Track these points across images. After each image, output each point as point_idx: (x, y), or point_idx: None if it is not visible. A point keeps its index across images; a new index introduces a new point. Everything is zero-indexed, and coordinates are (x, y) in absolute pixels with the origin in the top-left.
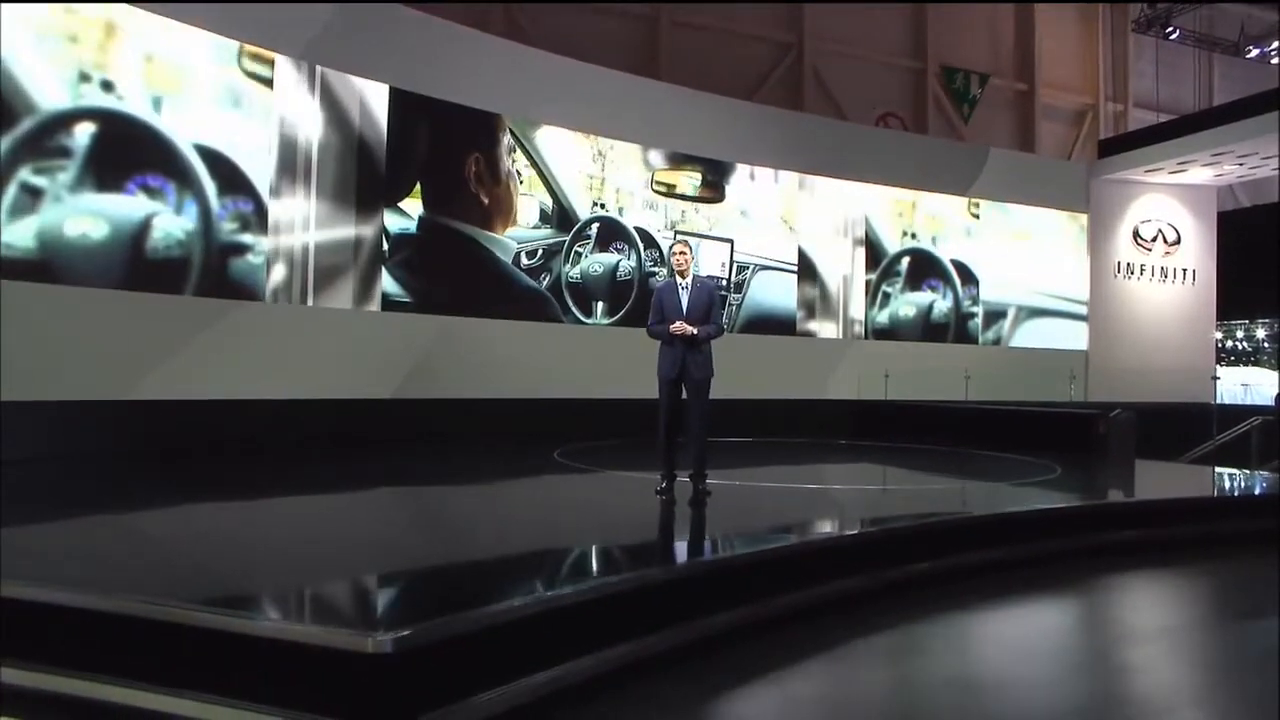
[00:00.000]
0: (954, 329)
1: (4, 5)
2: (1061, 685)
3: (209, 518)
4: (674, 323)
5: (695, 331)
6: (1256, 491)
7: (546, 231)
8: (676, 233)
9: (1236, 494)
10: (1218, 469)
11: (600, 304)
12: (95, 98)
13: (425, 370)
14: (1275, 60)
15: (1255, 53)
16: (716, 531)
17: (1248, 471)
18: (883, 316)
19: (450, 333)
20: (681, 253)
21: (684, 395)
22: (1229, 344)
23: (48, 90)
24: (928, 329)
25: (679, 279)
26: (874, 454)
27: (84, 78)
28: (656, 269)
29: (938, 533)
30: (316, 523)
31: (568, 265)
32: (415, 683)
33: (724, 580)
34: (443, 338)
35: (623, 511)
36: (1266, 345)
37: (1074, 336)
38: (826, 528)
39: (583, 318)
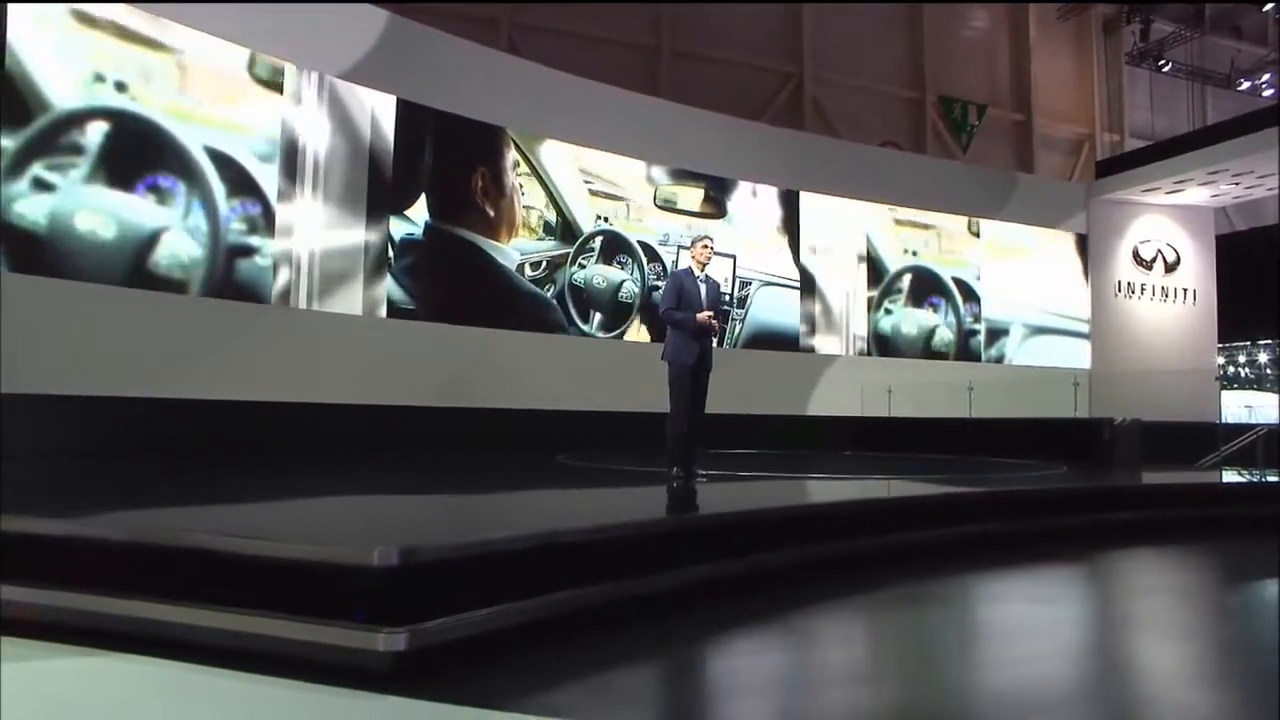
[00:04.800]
0: (957, 346)
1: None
2: (1061, 627)
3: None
4: (700, 313)
5: (720, 326)
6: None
7: (551, 243)
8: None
9: (1237, 481)
10: (1224, 469)
11: (599, 316)
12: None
13: (420, 378)
14: (1267, 93)
15: (1246, 85)
16: (725, 499)
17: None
18: (885, 331)
19: (447, 343)
20: (707, 247)
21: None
22: (1230, 370)
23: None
24: (930, 347)
25: (697, 271)
26: (879, 462)
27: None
28: (660, 282)
29: (944, 504)
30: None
31: (573, 268)
32: (418, 595)
33: (723, 533)
34: (441, 348)
35: (629, 490)
36: (1269, 371)
37: (1077, 355)
38: (829, 499)
39: (584, 327)
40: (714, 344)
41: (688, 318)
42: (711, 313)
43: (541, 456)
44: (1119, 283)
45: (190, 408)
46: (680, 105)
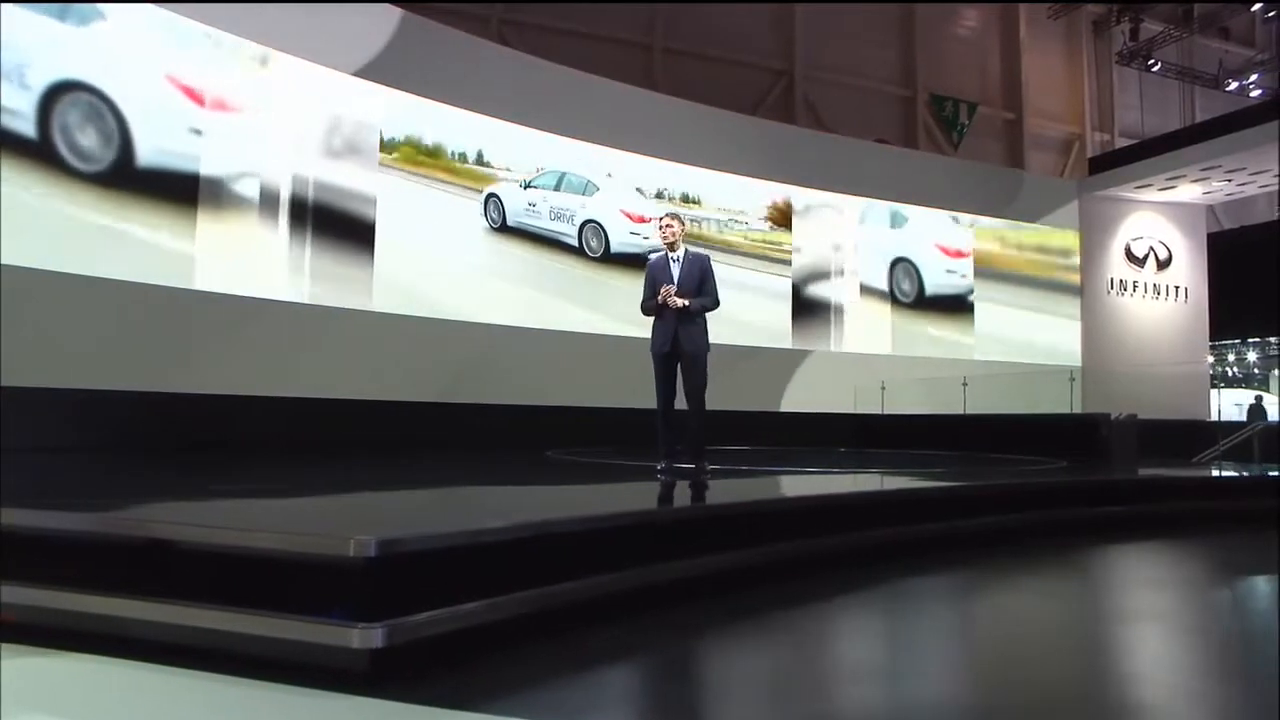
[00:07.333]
0: (947, 341)
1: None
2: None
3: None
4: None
5: (687, 303)
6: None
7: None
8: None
9: (1233, 475)
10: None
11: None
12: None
13: (408, 373)
14: (1255, 93)
15: (1234, 86)
16: (712, 494)
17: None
18: (881, 328)
19: (437, 336)
20: (669, 225)
21: (678, 371)
22: (1219, 369)
23: None
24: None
25: (670, 253)
26: (875, 458)
27: None
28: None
29: (935, 499)
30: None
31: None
32: (397, 588)
33: (720, 525)
34: (430, 341)
35: (616, 483)
36: (1258, 371)
37: (1069, 353)
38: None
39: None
40: (702, 325)
41: (648, 306)
42: (669, 289)
43: (526, 451)
44: (1111, 280)
45: (179, 403)
46: (684, 100)
